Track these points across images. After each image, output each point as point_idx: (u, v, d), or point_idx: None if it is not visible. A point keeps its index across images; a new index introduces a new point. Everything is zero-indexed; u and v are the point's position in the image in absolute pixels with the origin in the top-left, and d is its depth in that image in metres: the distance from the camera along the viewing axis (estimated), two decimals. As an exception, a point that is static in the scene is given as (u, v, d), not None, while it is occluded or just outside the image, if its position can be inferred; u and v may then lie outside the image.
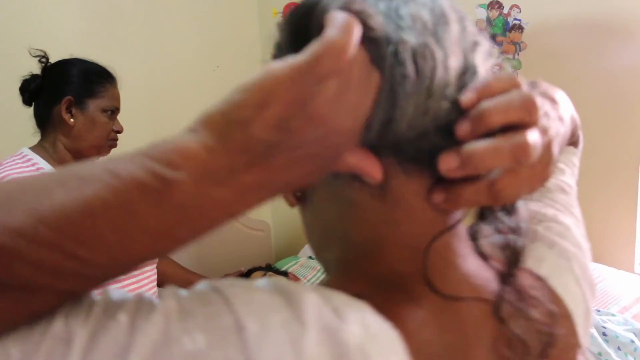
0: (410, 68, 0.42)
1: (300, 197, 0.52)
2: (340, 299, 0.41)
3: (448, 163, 0.44)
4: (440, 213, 0.49)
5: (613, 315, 1.97)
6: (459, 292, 0.47)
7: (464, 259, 0.50)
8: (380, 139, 0.44)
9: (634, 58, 2.45)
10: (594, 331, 1.80)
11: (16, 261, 0.33)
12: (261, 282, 0.41)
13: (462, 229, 0.52)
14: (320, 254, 0.53)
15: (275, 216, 3.48)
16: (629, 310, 2.06)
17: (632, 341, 1.81)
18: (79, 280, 0.35)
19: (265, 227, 3.40)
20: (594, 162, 2.57)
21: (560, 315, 0.54)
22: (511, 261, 0.51)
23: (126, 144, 0.89)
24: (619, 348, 1.81)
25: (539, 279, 0.55)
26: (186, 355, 0.34)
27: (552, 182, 0.67)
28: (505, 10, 2.73)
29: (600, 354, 1.75)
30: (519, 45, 2.71)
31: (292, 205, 0.52)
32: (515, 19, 2.71)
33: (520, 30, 2.70)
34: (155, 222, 0.35)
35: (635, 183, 2.50)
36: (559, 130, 0.52)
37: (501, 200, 0.45)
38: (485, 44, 0.52)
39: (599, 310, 1.98)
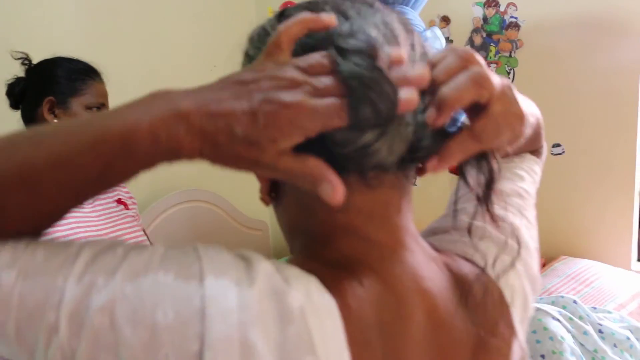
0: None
1: (273, 197, 0.60)
2: (292, 271, 0.50)
3: (431, 116, 0.50)
4: (396, 212, 0.57)
5: (609, 312, 1.98)
6: (402, 281, 0.55)
7: (412, 254, 0.57)
8: (355, 163, 0.51)
9: (630, 56, 2.45)
10: (590, 328, 1.80)
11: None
12: (233, 251, 0.51)
13: (415, 229, 0.60)
14: (288, 241, 0.63)
15: (273, 216, 3.46)
16: (625, 308, 2.06)
17: (628, 338, 1.82)
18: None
19: (264, 227, 3.41)
20: (590, 160, 2.58)
21: (496, 303, 0.61)
22: (487, 181, 0.56)
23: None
24: (614, 345, 1.81)
25: (482, 270, 0.62)
26: (157, 283, 0.45)
27: (510, 188, 0.73)
28: (502, 8, 2.73)
29: (596, 350, 1.75)
30: (516, 43, 2.71)
31: (266, 204, 0.61)
32: (511, 17, 2.71)
33: (516, 28, 2.71)
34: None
35: (632, 181, 2.51)
36: (518, 96, 0.57)
37: (486, 140, 0.51)
38: (430, 53, 0.58)
39: (595, 308, 1.99)
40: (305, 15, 0.50)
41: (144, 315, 0.44)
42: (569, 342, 1.73)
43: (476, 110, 0.52)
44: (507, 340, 0.61)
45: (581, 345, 1.78)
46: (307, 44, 0.52)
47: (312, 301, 0.48)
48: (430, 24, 2.92)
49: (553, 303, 1.92)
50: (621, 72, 2.47)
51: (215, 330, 0.44)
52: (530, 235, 0.70)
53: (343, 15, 0.55)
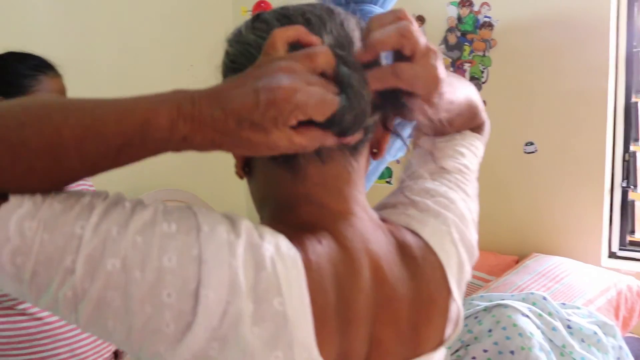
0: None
1: (247, 172, 0.70)
2: (265, 229, 0.59)
3: (358, 53, 0.60)
4: (346, 185, 0.67)
5: (578, 308, 2.01)
6: (352, 242, 0.65)
7: (360, 220, 0.67)
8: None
9: (598, 56, 2.49)
10: (558, 324, 1.83)
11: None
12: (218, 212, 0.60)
13: (365, 201, 0.70)
14: (258, 210, 0.72)
15: (249, 215, 3.44)
16: (594, 303, 2.10)
17: (595, 333, 1.85)
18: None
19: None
20: (562, 158, 2.62)
21: (434, 266, 0.70)
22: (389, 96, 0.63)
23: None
24: (582, 340, 1.85)
25: (420, 238, 0.71)
26: (162, 234, 0.54)
27: (451, 165, 0.82)
28: (476, 8, 2.76)
29: (564, 346, 1.78)
30: (489, 43, 2.74)
31: (240, 177, 0.71)
32: (485, 17, 2.74)
33: (490, 28, 2.74)
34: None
35: (602, 178, 2.56)
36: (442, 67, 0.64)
37: (402, 79, 0.59)
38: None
39: (564, 304, 2.03)
40: (301, 28, 0.59)
41: (151, 260, 0.53)
42: (537, 338, 1.76)
43: (401, 59, 0.61)
44: (444, 298, 0.71)
45: (550, 340, 1.81)
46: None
47: (281, 253, 0.57)
48: (406, 23, 2.93)
49: (523, 300, 1.95)
50: (591, 71, 2.51)
51: (210, 272, 0.53)
52: (467, 207, 0.78)
53: (306, 20, 0.64)
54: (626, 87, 2.59)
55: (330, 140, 0.57)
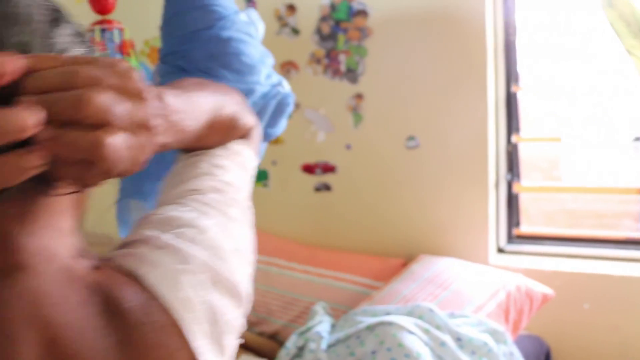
0: None
1: None
2: None
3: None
4: (20, 228, 0.52)
5: (467, 317, 1.89)
6: (9, 309, 0.50)
7: (36, 277, 0.53)
8: None
9: (474, 45, 2.41)
10: (448, 338, 1.70)
11: None
12: None
13: (62, 247, 0.55)
14: None
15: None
16: (483, 309, 1.98)
17: (486, 343, 1.74)
18: None
19: (108, 242, 3.09)
20: (444, 151, 2.51)
21: (161, 323, 0.55)
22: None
23: None
24: (473, 352, 1.72)
25: (145, 289, 0.56)
26: None
27: (207, 185, 0.68)
28: (345, -4, 2.59)
29: (454, 362, 1.65)
30: (365, 31, 2.58)
31: None
32: (359, 4, 2.58)
33: (365, 16, 2.57)
34: None
35: (485, 171, 2.47)
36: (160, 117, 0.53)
37: (104, 160, 0.46)
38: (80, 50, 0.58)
39: (453, 313, 1.89)
40: None
41: None
42: (425, 357, 1.61)
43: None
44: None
45: (439, 357, 1.66)
46: None
47: None
48: (276, 14, 2.72)
49: (409, 313, 1.80)
50: (469, 61, 2.43)
51: None
52: (228, 234, 0.65)
53: None
54: (506, 77, 2.51)
55: None
